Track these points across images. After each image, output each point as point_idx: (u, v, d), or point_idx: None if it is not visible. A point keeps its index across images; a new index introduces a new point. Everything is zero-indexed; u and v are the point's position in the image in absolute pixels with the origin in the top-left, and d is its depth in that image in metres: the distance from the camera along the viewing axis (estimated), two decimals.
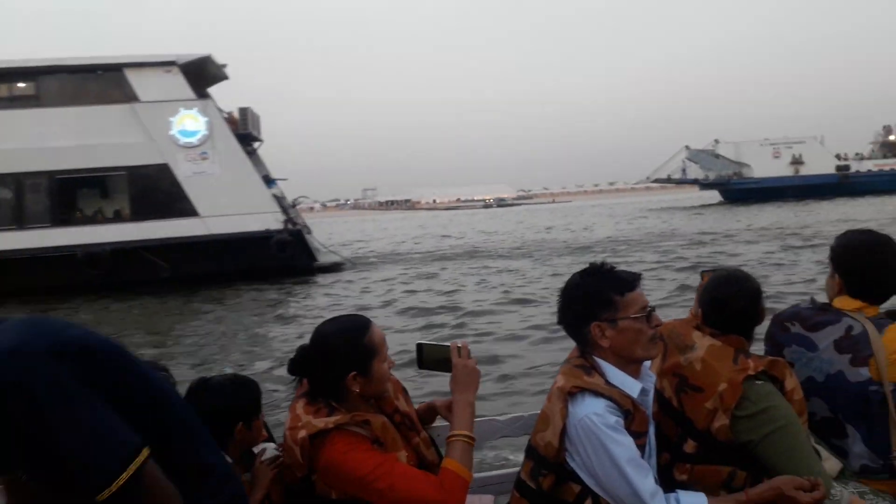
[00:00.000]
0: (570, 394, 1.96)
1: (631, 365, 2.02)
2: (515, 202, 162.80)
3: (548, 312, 9.80)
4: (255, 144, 23.79)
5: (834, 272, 2.39)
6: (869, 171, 54.12)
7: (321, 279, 19.71)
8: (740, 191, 54.37)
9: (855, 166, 54.22)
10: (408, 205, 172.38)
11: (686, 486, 2.06)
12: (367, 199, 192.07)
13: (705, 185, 56.94)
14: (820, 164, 53.60)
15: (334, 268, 21.91)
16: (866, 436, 2.24)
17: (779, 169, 53.80)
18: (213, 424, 1.70)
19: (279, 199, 21.47)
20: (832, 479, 2.08)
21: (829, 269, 2.43)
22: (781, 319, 2.45)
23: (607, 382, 1.97)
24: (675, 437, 2.13)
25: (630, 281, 2.02)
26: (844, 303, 2.33)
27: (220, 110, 21.37)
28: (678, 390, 2.14)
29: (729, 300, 2.19)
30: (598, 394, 1.94)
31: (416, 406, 2.24)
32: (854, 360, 2.22)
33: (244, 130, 22.44)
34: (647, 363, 2.10)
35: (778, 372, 2.12)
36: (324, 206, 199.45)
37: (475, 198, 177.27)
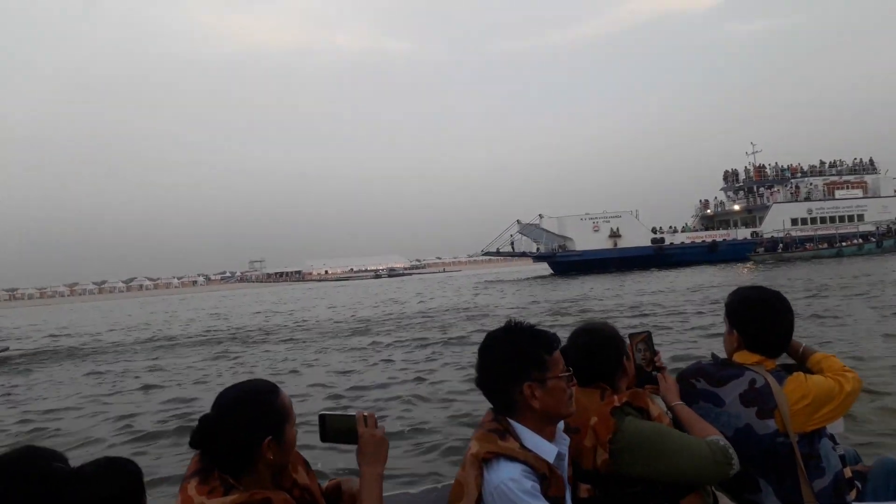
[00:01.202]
0: (485, 460, 1.91)
1: (548, 427, 2.01)
2: (407, 272, 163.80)
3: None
4: None
5: (731, 328, 2.46)
6: (682, 243, 57.63)
7: None
8: (566, 263, 56.69)
9: (669, 239, 57.64)
10: (298, 276, 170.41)
11: None
12: (255, 272, 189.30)
13: (537, 257, 59.15)
14: (636, 237, 56.75)
15: None
16: (777, 488, 2.26)
17: (599, 242, 56.57)
18: None
19: None
20: None
21: (724, 325, 2.51)
22: (686, 376, 2.51)
23: (522, 446, 1.94)
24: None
25: (555, 340, 2.04)
26: (744, 357, 2.41)
27: None
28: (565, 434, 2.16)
29: (584, 349, 2.29)
30: (513, 458, 1.90)
31: (325, 483, 2.12)
32: (760, 412, 2.27)
33: None
34: (561, 426, 2.09)
35: (641, 402, 2.23)
36: (207, 279, 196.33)
37: (368, 268, 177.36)
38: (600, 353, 2.32)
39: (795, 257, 50.69)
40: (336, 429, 1.99)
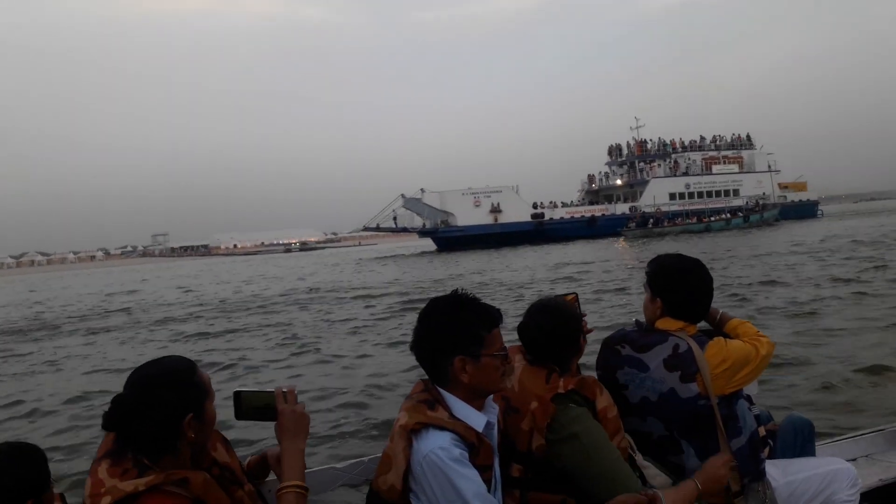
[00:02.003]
0: (414, 430, 1.90)
1: (478, 399, 2.00)
2: (321, 245, 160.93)
3: None
4: None
5: (654, 296, 2.48)
6: (562, 218, 57.69)
7: None
8: (448, 238, 56.00)
9: (549, 214, 57.60)
10: (204, 251, 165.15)
11: None
12: (159, 246, 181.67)
13: (423, 232, 58.30)
14: (517, 212, 56.45)
15: None
16: (699, 449, 2.32)
17: (480, 217, 56.03)
18: None
19: None
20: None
21: (645, 293, 2.53)
22: (611, 343, 2.52)
23: (451, 416, 1.93)
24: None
25: (497, 318, 2.01)
26: (667, 324, 2.45)
27: None
28: (505, 413, 2.16)
29: (545, 329, 2.25)
30: (442, 428, 1.89)
31: (247, 460, 2.08)
32: (683, 376, 2.30)
33: None
34: (491, 395, 2.05)
35: (588, 391, 2.18)
36: (106, 253, 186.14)
37: (279, 242, 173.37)
38: (560, 333, 2.29)
39: (665, 232, 51.34)
40: (253, 406, 1.94)
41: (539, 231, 55.99)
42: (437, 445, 1.87)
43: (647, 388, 2.38)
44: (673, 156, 62.96)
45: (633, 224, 53.10)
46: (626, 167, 63.95)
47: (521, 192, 58.74)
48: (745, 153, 64.19)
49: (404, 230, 56.56)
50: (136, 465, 1.66)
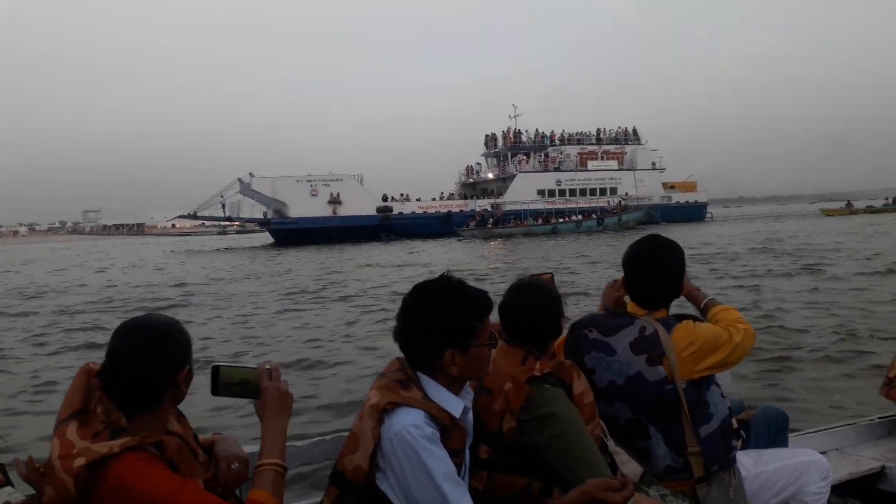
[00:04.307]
0: (385, 410, 1.85)
1: (458, 385, 1.95)
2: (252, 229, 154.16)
3: None
4: None
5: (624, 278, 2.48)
6: (413, 213, 51.97)
7: None
8: (283, 232, 50.34)
9: (398, 208, 51.86)
10: (138, 229, 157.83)
11: (481, 496, 2.03)
12: (91, 223, 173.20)
13: (255, 223, 52.64)
14: (360, 204, 50.66)
15: None
16: (667, 435, 2.31)
17: (318, 208, 50.25)
18: None
19: None
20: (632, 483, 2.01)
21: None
22: (579, 327, 2.50)
23: (425, 396, 1.88)
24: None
25: (488, 305, 1.95)
26: (634, 308, 2.44)
27: None
28: (476, 393, 2.09)
29: (528, 307, 2.21)
30: (414, 407, 1.84)
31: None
32: (650, 359, 2.29)
33: None
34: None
35: (565, 375, 2.17)
36: (31, 229, 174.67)
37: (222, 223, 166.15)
38: (543, 314, 2.23)
39: (506, 233, 45.78)
40: (232, 382, 1.83)
41: (386, 226, 50.34)
42: (410, 423, 1.81)
43: (613, 372, 2.36)
44: (549, 148, 57.26)
45: (473, 223, 47.43)
46: (498, 160, 58.17)
47: (418, 183, 53.00)
48: (628, 148, 58.43)
49: (228, 219, 50.78)
50: (107, 426, 1.59)
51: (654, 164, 58.39)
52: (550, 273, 2.50)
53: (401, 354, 1.99)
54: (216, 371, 1.82)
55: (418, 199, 53.46)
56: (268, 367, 1.86)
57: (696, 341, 2.29)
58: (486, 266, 23.88)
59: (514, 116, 58.79)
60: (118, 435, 1.57)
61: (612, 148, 58.00)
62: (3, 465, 1.75)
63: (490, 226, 46.59)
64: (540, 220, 48.07)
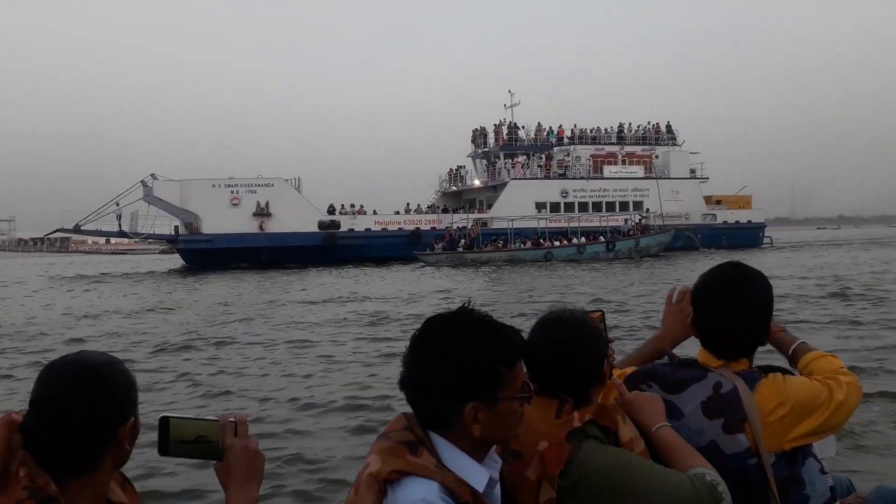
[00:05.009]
0: (389, 481, 1.48)
1: (481, 448, 1.58)
2: None
3: None
4: None
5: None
6: (367, 230, 39.18)
7: None
8: (195, 252, 38.04)
9: (347, 223, 39.08)
10: (62, 245, 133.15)
11: None
12: (2, 235, 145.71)
13: (170, 240, 40.42)
14: (297, 218, 38.05)
15: None
16: None
17: (240, 222, 37.76)
18: None
19: None
20: None
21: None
22: (636, 380, 2.07)
23: (440, 463, 1.51)
24: None
25: (520, 347, 1.60)
26: (707, 357, 2.02)
27: None
28: (502, 459, 1.72)
29: (555, 348, 1.79)
30: (425, 477, 1.48)
31: None
32: (728, 426, 1.88)
33: None
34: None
35: (609, 420, 1.77)
36: None
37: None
38: (579, 356, 1.80)
39: (482, 259, 32.73)
40: (185, 439, 1.51)
41: (330, 247, 37.67)
42: (420, 498, 1.45)
43: None
44: (554, 149, 44.05)
45: (441, 245, 34.38)
46: (488, 162, 45.12)
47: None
48: (659, 150, 44.91)
49: (122, 235, 38.50)
50: (32, 494, 1.32)
51: (693, 171, 44.79)
52: (601, 311, 2.01)
53: (408, 409, 1.62)
54: (165, 424, 1.51)
55: (375, 213, 40.57)
56: (231, 419, 1.55)
57: (787, 401, 1.87)
58: (429, 305, 15.83)
59: (511, 106, 45.64)
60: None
61: (637, 149, 44.54)
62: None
63: (461, 249, 33.52)
64: (528, 243, 34.81)
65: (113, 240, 50.62)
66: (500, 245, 34.49)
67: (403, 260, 35.46)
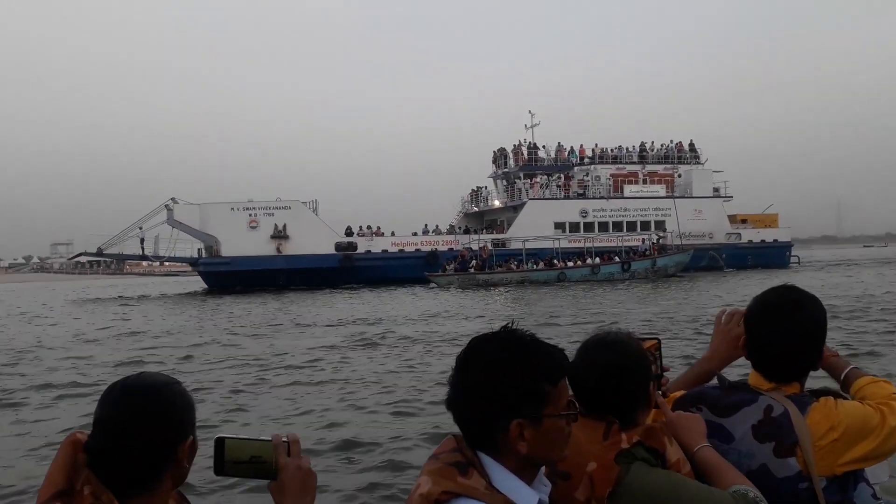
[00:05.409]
0: (439, 502, 1.48)
1: (529, 469, 1.57)
2: None
3: None
4: None
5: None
6: (385, 251, 39.27)
7: None
8: (215, 274, 38.58)
9: (364, 245, 39.22)
10: (118, 267, 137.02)
11: None
12: (59, 258, 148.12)
13: (193, 263, 40.99)
14: (314, 240, 38.38)
15: None
16: None
17: (258, 245, 38.20)
18: None
19: None
20: None
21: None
22: (685, 403, 2.05)
23: (490, 485, 1.50)
24: None
25: (565, 365, 1.59)
26: (757, 380, 2.00)
27: None
28: (549, 479, 1.71)
29: (599, 371, 1.79)
30: (475, 499, 1.48)
31: None
32: (779, 449, 1.87)
33: None
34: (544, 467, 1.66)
35: (656, 442, 1.77)
36: None
37: None
38: (625, 378, 1.80)
39: (494, 281, 32.42)
40: (240, 459, 1.52)
41: (348, 269, 37.84)
42: None
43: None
44: (574, 168, 43.66)
45: (452, 267, 34.17)
46: (508, 182, 44.91)
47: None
48: (682, 169, 44.16)
49: (144, 258, 39.21)
50: None
51: (716, 189, 43.91)
52: (657, 339, 2.00)
53: (456, 429, 1.64)
54: (220, 445, 1.52)
55: (392, 234, 40.63)
56: (284, 439, 1.56)
57: (838, 425, 1.85)
58: (431, 331, 15.11)
59: (532, 126, 45.49)
60: None
61: (659, 168, 43.86)
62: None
63: (472, 270, 33.28)
64: (542, 264, 34.39)
65: (167, 263, 51.43)
66: (514, 266, 34.14)
67: (421, 282, 35.40)
